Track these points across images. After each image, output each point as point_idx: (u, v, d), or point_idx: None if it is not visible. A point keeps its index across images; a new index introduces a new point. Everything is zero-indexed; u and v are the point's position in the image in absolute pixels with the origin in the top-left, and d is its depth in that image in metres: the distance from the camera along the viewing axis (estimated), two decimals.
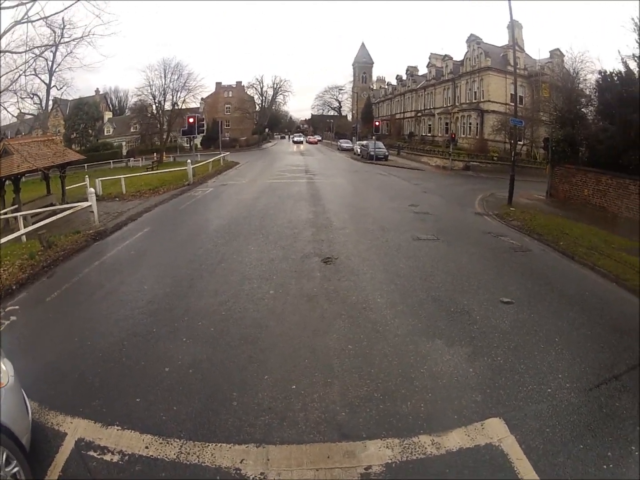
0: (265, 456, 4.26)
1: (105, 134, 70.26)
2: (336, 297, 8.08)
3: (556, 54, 43.62)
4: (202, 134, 50.43)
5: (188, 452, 4.31)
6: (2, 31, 16.33)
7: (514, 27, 32.83)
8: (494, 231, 14.10)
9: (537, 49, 68.23)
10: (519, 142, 36.15)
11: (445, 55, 58.92)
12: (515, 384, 5.44)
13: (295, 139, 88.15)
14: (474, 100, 50.71)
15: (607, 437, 4.53)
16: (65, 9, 18.23)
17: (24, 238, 12.80)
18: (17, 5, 15.12)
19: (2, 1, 14.30)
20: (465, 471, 4.10)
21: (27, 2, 15.39)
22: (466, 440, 4.46)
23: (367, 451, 4.32)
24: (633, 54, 18.09)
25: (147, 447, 4.37)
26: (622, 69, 18.68)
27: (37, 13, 18.68)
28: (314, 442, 4.45)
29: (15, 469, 3.56)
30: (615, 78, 18.76)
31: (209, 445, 4.39)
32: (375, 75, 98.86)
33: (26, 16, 15.98)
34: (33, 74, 32.22)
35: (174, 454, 4.28)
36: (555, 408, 4.99)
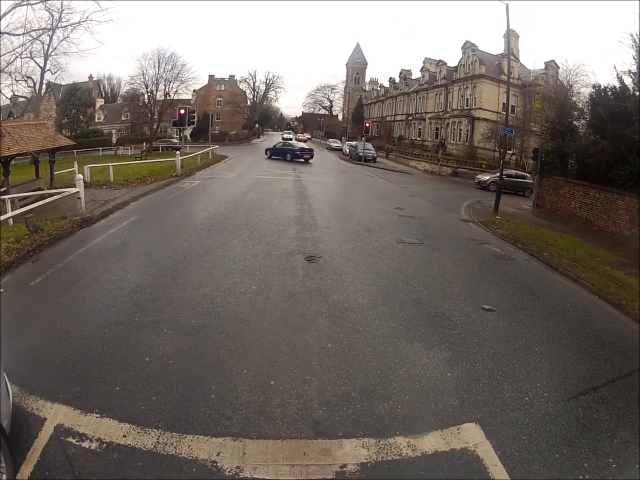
0: (241, 450, 4.26)
1: (96, 120, 69.64)
2: (318, 296, 8.05)
3: (551, 65, 44.11)
4: (193, 126, 50.14)
5: (165, 442, 4.30)
6: (2, 12, 16.05)
7: (510, 37, 33.06)
8: (479, 238, 14.18)
9: (532, 60, 68.93)
10: (508, 151, 36.49)
11: (440, 61, 59.43)
12: (492, 391, 5.44)
13: (285, 135, 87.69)
14: (465, 107, 51.11)
15: (583, 448, 4.55)
16: None
17: (10, 221, 12.66)
18: None
19: None
20: (440, 474, 4.13)
21: None
22: (442, 444, 4.48)
23: (342, 450, 4.33)
24: (629, 70, 18.28)
25: (125, 436, 4.36)
26: (617, 84, 18.84)
27: None
28: (291, 438, 4.46)
29: None
30: (609, 93, 18.92)
31: (186, 437, 4.39)
32: (368, 76, 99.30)
33: None
34: (29, 57, 32.18)
35: (152, 444, 4.27)
36: (532, 416, 5.00)
